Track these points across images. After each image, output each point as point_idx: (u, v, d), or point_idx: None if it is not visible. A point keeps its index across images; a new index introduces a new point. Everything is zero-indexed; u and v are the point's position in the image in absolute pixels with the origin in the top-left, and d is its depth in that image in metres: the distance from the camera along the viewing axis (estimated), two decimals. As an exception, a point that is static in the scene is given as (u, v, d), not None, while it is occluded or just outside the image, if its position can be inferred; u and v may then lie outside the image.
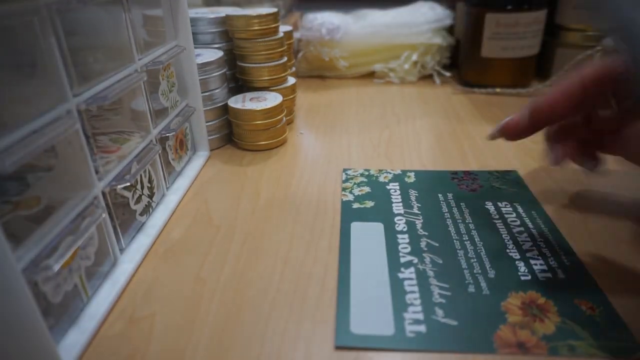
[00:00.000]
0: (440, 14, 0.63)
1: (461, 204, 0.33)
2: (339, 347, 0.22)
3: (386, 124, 0.48)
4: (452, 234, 0.30)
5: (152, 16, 0.34)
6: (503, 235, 0.29)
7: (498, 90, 0.56)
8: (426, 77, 0.63)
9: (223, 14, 0.44)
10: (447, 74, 0.61)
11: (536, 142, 0.42)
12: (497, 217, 0.31)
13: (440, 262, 0.27)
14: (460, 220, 0.31)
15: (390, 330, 0.23)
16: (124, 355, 0.22)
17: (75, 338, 0.22)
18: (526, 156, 0.40)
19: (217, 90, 0.42)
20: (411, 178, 0.37)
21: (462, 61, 0.60)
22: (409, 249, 0.28)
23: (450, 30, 0.64)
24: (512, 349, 0.21)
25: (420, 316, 0.23)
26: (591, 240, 0.29)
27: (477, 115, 0.49)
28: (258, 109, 0.41)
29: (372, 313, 0.24)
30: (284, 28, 0.49)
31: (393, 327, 0.23)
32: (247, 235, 0.31)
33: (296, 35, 0.61)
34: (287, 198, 0.35)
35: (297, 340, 0.22)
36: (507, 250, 0.28)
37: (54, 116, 0.21)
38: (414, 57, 0.61)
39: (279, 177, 0.38)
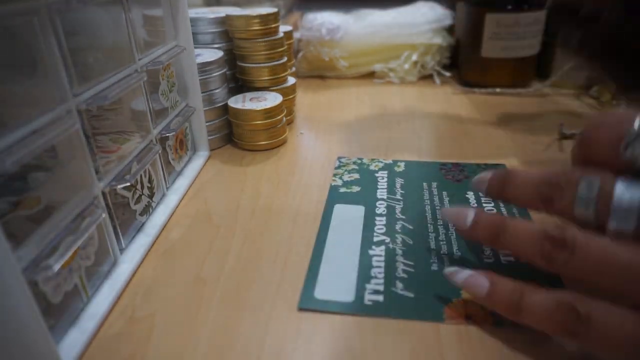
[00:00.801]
0: (440, 14, 0.63)
1: (443, 192, 0.35)
2: (301, 309, 0.24)
3: (386, 124, 0.48)
4: (428, 219, 0.31)
5: (152, 16, 0.34)
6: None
7: (498, 90, 0.56)
8: (426, 77, 0.63)
9: (223, 14, 0.44)
10: (447, 74, 0.61)
11: (535, 142, 0.42)
12: (475, 205, 0.33)
13: (411, 242, 0.29)
14: (438, 207, 0.33)
15: (350, 297, 0.25)
16: (124, 355, 0.22)
17: (75, 338, 0.22)
18: (524, 154, 0.40)
19: (217, 90, 0.42)
20: (401, 167, 0.38)
21: (462, 61, 0.60)
22: (383, 230, 0.30)
23: (450, 30, 0.64)
24: (459, 319, 0.23)
25: (381, 287, 0.25)
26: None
27: (477, 115, 0.49)
28: (258, 109, 0.41)
29: (336, 282, 0.26)
30: (284, 28, 0.49)
31: (353, 295, 0.25)
32: (247, 235, 0.31)
33: (296, 35, 0.61)
34: (287, 198, 0.35)
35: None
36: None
37: (54, 116, 0.21)
38: (414, 57, 0.61)
39: (279, 177, 0.38)
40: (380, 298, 0.25)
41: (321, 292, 0.25)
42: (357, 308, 0.24)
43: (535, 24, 0.54)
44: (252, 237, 0.30)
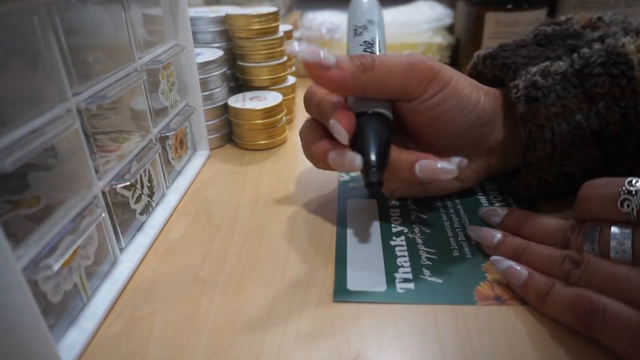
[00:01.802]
0: (440, 13, 0.63)
1: None
2: (337, 302, 0.25)
3: (386, 123, 0.48)
4: (440, 208, 0.32)
5: (152, 15, 0.34)
6: (485, 208, 0.32)
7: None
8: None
9: (223, 13, 0.44)
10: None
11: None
12: (481, 193, 0.34)
13: (428, 231, 0.30)
14: (447, 196, 0.34)
15: (382, 287, 0.25)
16: (124, 354, 0.22)
17: (75, 337, 0.22)
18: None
19: (217, 90, 0.42)
20: None
21: (463, 60, 0.60)
22: (400, 221, 0.31)
23: (450, 29, 0.64)
24: (490, 301, 0.24)
25: (410, 275, 0.26)
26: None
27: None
28: (258, 108, 0.41)
29: (366, 273, 0.27)
30: (284, 27, 0.49)
31: (385, 284, 0.26)
32: (247, 234, 0.31)
33: (296, 34, 0.61)
34: (287, 197, 0.35)
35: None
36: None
37: (54, 115, 0.21)
38: (414, 57, 0.61)
39: (279, 177, 0.38)
40: (411, 286, 0.25)
41: (353, 284, 0.26)
42: (391, 297, 0.25)
43: (536, 22, 0.54)
44: (252, 237, 0.30)
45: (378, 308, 0.24)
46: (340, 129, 0.27)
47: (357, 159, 0.26)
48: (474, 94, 0.29)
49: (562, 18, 0.33)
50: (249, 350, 0.22)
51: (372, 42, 0.29)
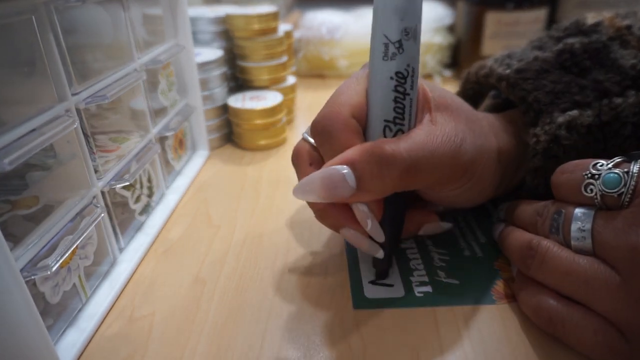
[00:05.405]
0: (440, 13, 0.62)
1: None
2: (357, 309, 0.24)
3: (386, 123, 0.48)
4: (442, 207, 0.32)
5: (152, 15, 0.34)
6: (487, 206, 0.32)
7: (498, 89, 0.55)
8: (427, 77, 0.62)
9: (223, 13, 0.44)
10: (448, 73, 0.61)
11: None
12: None
13: None
14: None
15: (400, 292, 0.25)
16: (123, 355, 0.22)
17: (73, 338, 0.22)
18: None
19: (216, 90, 0.42)
20: None
21: (463, 60, 0.60)
22: None
23: (450, 29, 0.63)
24: (509, 299, 0.24)
25: (425, 278, 0.26)
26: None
27: (477, 115, 0.49)
28: (258, 108, 0.41)
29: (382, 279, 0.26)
30: (284, 27, 0.49)
31: (403, 289, 0.25)
32: (247, 235, 0.31)
33: (296, 34, 0.61)
34: (287, 198, 0.35)
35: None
36: (493, 219, 0.30)
37: (53, 115, 0.21)
38: (415, 57, 0.61)
39: (279, 177, 0.38)
40: (429, 289, 0.25)
41: (371, 292, 0.25)
42: (410, 301, 0.24)
43: (536, 22, 0.54)
44: (252, 237, 0.30)
45: (376, 309, 0.24)
46: (376, 227, 0.23)
47: (379, 253, 0.24)
48: (491, 183, 0.26)
49: (589, 21, 0.29)
50: (248, 351, 0.22)
51: (407, 73, 0.21)
